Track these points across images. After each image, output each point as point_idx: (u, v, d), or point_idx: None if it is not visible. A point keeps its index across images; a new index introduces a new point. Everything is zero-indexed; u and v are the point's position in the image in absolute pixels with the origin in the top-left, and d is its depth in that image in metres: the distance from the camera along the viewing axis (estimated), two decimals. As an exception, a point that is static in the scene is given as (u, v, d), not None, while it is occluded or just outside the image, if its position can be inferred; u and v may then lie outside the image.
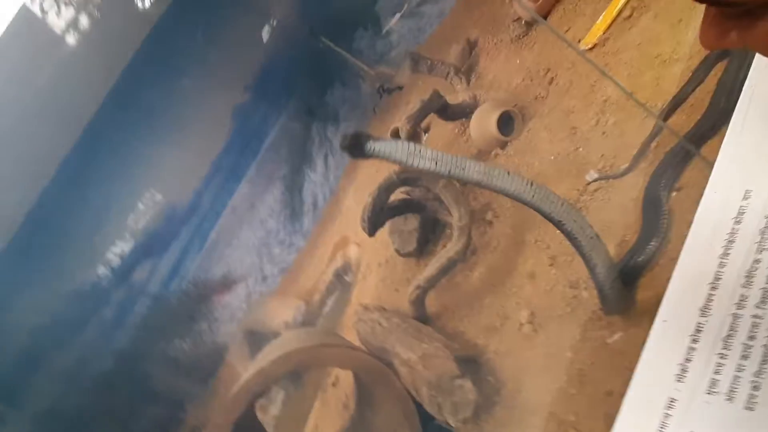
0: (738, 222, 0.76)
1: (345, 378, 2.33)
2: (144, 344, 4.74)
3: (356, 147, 0.59)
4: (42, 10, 3.30)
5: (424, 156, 0.64)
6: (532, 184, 0.74)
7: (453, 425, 1.24)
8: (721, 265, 0.75)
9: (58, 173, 3.85)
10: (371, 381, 1.44)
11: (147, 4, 4.11)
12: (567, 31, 1.92)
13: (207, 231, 5.07)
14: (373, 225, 1.80)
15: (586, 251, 0.85)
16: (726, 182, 0.85)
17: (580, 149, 1.52)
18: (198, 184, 4.63)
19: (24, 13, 3.09)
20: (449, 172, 0.64)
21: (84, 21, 3.65)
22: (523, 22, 2.54)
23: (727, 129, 0.92)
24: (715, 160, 0.89)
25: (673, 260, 0.89)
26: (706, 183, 0.89)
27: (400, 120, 2.30)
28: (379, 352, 1.62)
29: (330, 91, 5.33)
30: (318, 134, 5.18)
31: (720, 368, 0.66)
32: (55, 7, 3.28)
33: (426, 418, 1.36)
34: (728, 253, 0.75)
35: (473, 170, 0.66)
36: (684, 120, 1.14)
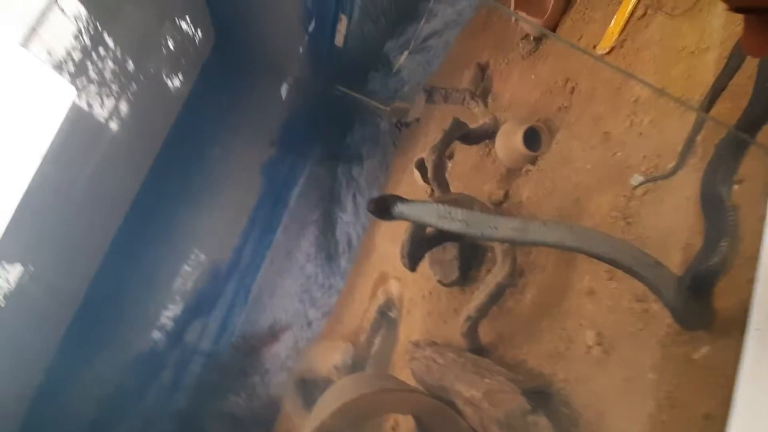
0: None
1: (405, 422, 2.24)
2: (202, 403, 4.80)
3: (383, 210, 0.59)
4: (88, 104, 3.67)
5: (455, 218, 0.63)
6: (573, 229, 0.71)
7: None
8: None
9: (110, 250, 4.12)
10: (434, 424, 1.37)
11: (177, 83, 4.49)
12: (580, 39, 1.91)
13: (249, 284, 5.20)
14: (413, 260, 1.78)
15: (650, 281, 0.80)
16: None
17: (618, 154, 1.46)
18: (237, 241, 4.82)
19: (74, 108, 3.45)
20: (481, 233, 0.62)
21: (123, 107, 4.02)
22: (531, 38, 2.56)
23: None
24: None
25: (752, 259, 0.81)
26: (770, 172, 0.83)
27: (422, 151, 2.32)
28: (439, 391, 1.55)
29: (350, 133, 5.51)
30: (344, 176, 5.30)
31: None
32: (99, 99, 3.65)
33: None
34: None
35: (507, 228, 0.64)
36: (728, 109, 1.08)
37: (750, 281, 0.76)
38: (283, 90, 5.34)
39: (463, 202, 1.62)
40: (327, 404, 1.51)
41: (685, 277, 0.96)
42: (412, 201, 0.58)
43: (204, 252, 4.60)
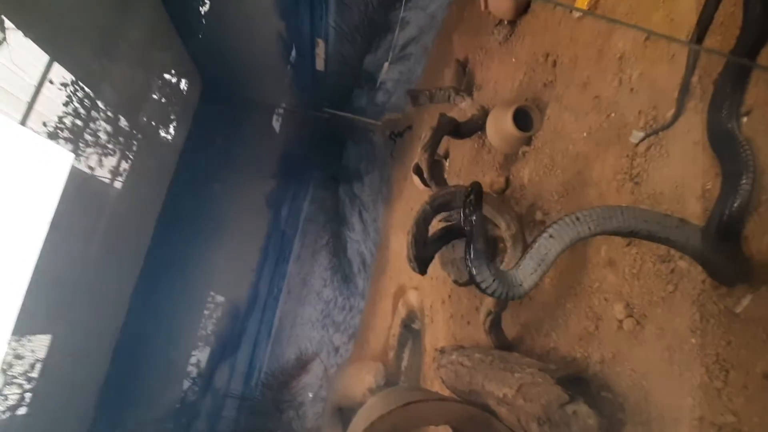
0: None
1: (444, 435, 2.11)
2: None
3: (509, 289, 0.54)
4: (88, 166, 3.74)
5: (583, 222, 0.59)
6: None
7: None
8: None
9: (130, 307, 4.13)
10: (470, 430, 1.27)
11: (171, 132, 4.58)
12: (555, 7, 1.86)
13: (270, 318, 5.17)
14: (421, 262, 1.70)
15: (680, 244, 0.72)
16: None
17: (612, 115, 1.39)
18: (252, 276, 4.82)
19: (74, 172, 3.52)
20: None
21: (123, 165, 4.10)
22: (505, 23, 2.53)
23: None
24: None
25: (779, 190, 0.73)
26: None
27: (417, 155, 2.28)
28: (471, 396, 1.45)
29: (345, 152, 5.53)
30: (346, 195, 5.30)
31: None
32: (97, 160, 3.73)
33: None
34: None
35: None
36: (719, 42, 1.01)
37: None
38: (275, 122, 5.42)
39: (462, 192, 1.55)
40: (357, 425, 1.43)
41: (709, 226, 0.88)
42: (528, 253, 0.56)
43: (221, 293, 4.60)
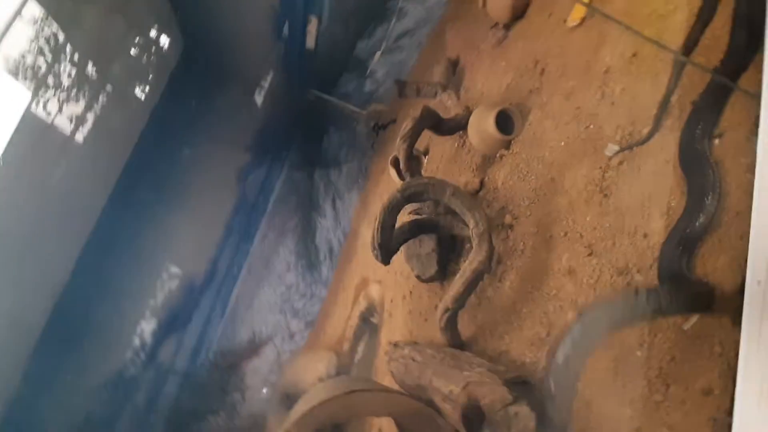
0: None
1: (388, 426, 2.10)
2: (179, 427, 4.51)
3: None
4: (46, 111, 3.46)
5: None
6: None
7: (518, 466, 1.03)
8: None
9: (76, 268, 3.87)
10: (414, 424, 1.25)
11: (145, 89, 4.33)
12: (550, 16, 1.87)
13: (226, 297, 4.98)
14: (385, 251, 1.66)
15: (648, 314, 0.72)
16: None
17: (591, 126, 1.40)
18: (212, 251, 4.62)
19: (29, 116, 3.24)
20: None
21: (88, 116, 3.83)
22: (501, 26, 2.53)
23: (763, 56, 0.79)
24: (760, 91, 0.76)
25: (741, 213, 0.73)
26: (755, 118, 0.75)
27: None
28: (417, 391, 1.43)
29: (327, 138, 5.40)
30: (322, 180, 5.18)
31: None
32: (59, 106, 3.45)
33: None
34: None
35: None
36: (702, 62, 1.02)
37: (743, 236, 0.68)
38: (257, 95, 5.22)
39: (436, 185, 1.52)
40: (298, 410, 1.37)
41: (669, 242, 0.88)
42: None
43: (177, 264, 4.39)
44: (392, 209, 1.55)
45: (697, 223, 0.86)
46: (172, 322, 4.36)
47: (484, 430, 1.06)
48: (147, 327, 4.43)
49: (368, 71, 4.65)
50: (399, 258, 2.30)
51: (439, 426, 1.20)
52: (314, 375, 4.20)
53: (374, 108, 5.24)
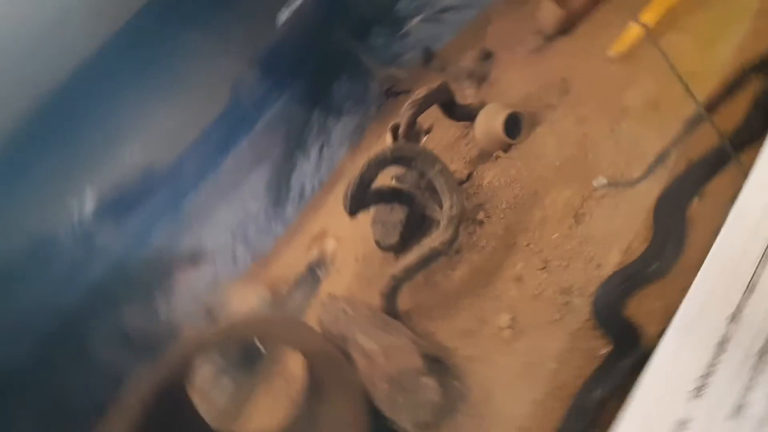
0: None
1: (296, 369, 2.14)
2: (93, 309, 4.41)
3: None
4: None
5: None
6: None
7: (407, 428, 1.08)
8: (759, 271, 0.63)
9: (39, 107, 3.59)
10: (324, 369, 1.28)
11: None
12: (593, 41, 1.86)
13: (183, 200, 4.84)
14: (355, 203, 1.65)
15: None
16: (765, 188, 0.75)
17: (590, 156, 1.42)
18: (183, 148, 4.43)
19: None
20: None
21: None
22: (544, 35, 2.49)
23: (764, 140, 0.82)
24: (751, 168, 0.79)
25: (692, 270, 0.77)
26: (738, 190, 0.79)
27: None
28: (338, 340, 1.46)
29: (337, 83, 5.22)
30: (317, 123, 5.03)
31: (750, 389, 0.53)
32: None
33: (377, 420, 1.19)
34: (768, 257, 0.63)
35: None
36: (709, 131, 1.05)
37: (685, 289, 0.71)
38: (282, 13, 4.94)
39: (427, 157, 1.51)
40: (216, 326, 1.37)
41: (615, 277, 0.92)
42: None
43: (143, 147, 4.18)
44: (376, 165, 1.53)
45: (650, 269, 0.90)
46: (118, 203, 4.20)
47: (391, 392, 1.10)
48: (90, 198, 4.24)
49: (402, 31, 4.48)
50: (363, 220, 2.30)
51: (346, 376, 1.23)
52: (244, 304, 4.21)
53: (393, 72, 5.10)
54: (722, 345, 0.58)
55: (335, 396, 1.24)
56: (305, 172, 5.25)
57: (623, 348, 0.83)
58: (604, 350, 0.88)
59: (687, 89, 0.99)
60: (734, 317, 0.59)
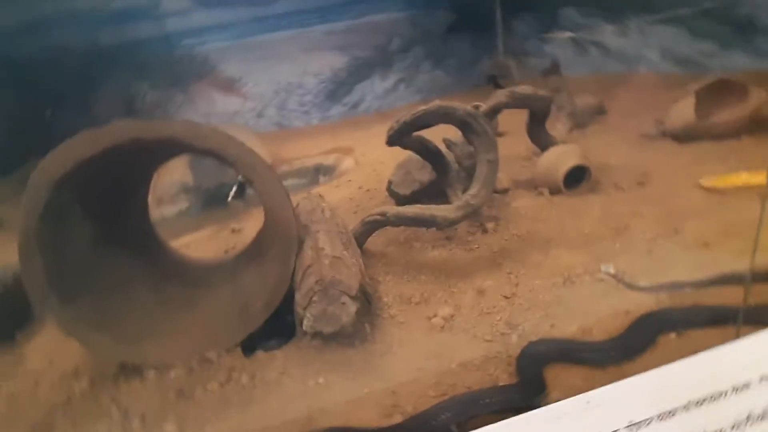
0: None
1: (252, 229, 2.20)
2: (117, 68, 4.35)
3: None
4: None
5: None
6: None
7: (305, 328, 1.13)
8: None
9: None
10: (276, 230, 1.29)
11: None
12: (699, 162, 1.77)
13: (252, 32, 4.73)
14: (397, 135, 1.61)
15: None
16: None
17: (617, 245, 1.40)
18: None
19: None
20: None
21: None
22: (660, 128, 2.37)
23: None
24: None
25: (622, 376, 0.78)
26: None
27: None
28: (301, 227, 1.48)
29: (461, 38, 4.95)
30: (417, 58, 4.89)
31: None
32: None
33: (281, 313, 1.24)
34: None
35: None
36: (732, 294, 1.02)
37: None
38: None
39: (489, 139, 1.46)
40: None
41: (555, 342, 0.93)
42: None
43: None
44: (441, 113, 1.48)
45: (591, 356, 0.91)
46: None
47: (315, 289, 1.13)
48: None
49: (546, 35, 4.22)
50: (389, 162, 2.28)
51: (289, 248, 1.24)
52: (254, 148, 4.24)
53: (507, 61, 4.86)
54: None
55: (272, 256, 1.27)
56: (373, 89, 5.13)
57: (521, 392, 0.85)
58: (503, 384, 0.91)
59: (755, 249, 0.96)
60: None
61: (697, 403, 0.63)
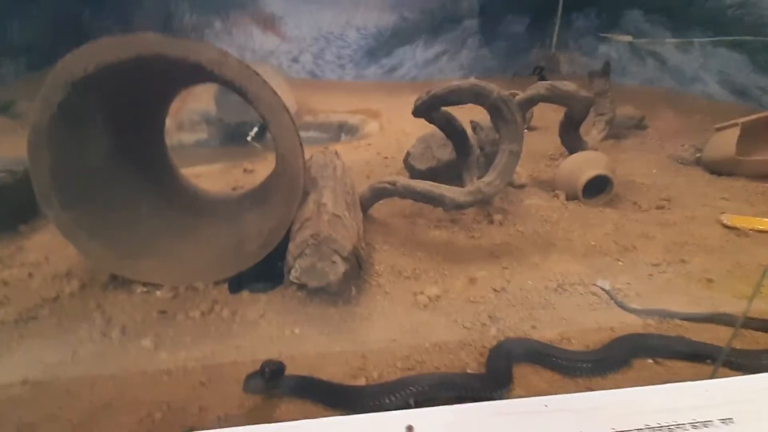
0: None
1: (264, 171, 2.21)
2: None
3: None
4: None
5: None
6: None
7: (292, 278, 1.14)
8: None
9: None
10: (280, 177, 1.29)
11: None
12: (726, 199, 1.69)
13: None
14: (423, 107, 1.57)
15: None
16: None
17: (620, 263, 1.36)
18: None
19: None
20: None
21: None
22: (696, 156, 2.26)
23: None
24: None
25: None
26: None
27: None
28: (309, 178, 1.48)
29: (579, 17, 4.65)
30: (465, 36, 4.68)
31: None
32: None
33: (273, 259, 1.25)
34: None
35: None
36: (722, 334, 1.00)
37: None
38: None
39: (517, 128, 1.40)
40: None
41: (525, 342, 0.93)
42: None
43: None
44: (470, 91, 1.41)
45: (565, 363, 0.91)
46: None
47: (309, 242, 1.13)
48: None
49: (603, 34, 3.98)
50: (413, 135, 2.23)
51: (293, 197, 1.24)
52: (282, 93, 4.20)
53: (562, 57, 4.63)
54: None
55: (276, 201, 1.27)
56: (414, 56, 4.96)
57: (485, 383, 0.85)
58: (470, 370, 0.92)
59: (753, 296, 0.92)
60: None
61: (652, 430, 0.63)
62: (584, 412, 0.66)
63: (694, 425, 0.66)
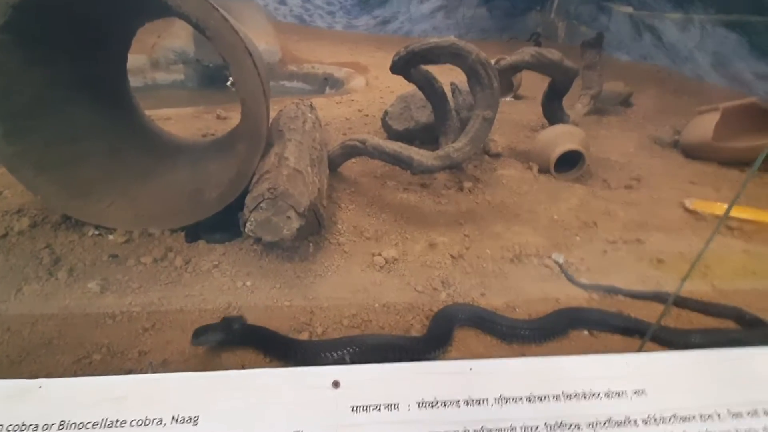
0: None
1: (235, 120, 2.13)
2: None
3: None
4: None
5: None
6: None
7: (246, 230, 1.12)
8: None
9: None
10: (248, 126, 1.23)
11: None
12: (700, 183, 1.71)
13: None
14: (401, 64, 1.50)
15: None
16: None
17: (578, 238, 1.39)
18: None
19: None
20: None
21: None
22: (675, 138, 2.26)
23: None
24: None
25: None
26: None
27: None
28: (273, 130, 1.42)
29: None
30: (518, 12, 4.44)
31: None
32: None
33: (234, 210, 1.22)
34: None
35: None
36: (660, 311, 1.04)
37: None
38: None
39: (494, 93, 1.36)
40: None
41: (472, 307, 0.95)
42: None
43: None
44: (445, 52, 1.35)
45: (500, 327, 0.94)
46: None
47: (265, 194, 1.10)
48: None
49: (609, 6, 3.82)
50: (401, 90, 2.15)
51: (256, 147, 1.20)
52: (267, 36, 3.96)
53: (561, 24, 4.47)
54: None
55: (238, 150, 1.23)
56: (409, 9, 4.70)
57: (422, 345, 0.88)
58: (414, 333, 0.94)
59: (688, 274, 0.95)
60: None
61: (568, 396, 0.66)
62: (507, 377, 0.68)
63: (608, 394, 0.70)
